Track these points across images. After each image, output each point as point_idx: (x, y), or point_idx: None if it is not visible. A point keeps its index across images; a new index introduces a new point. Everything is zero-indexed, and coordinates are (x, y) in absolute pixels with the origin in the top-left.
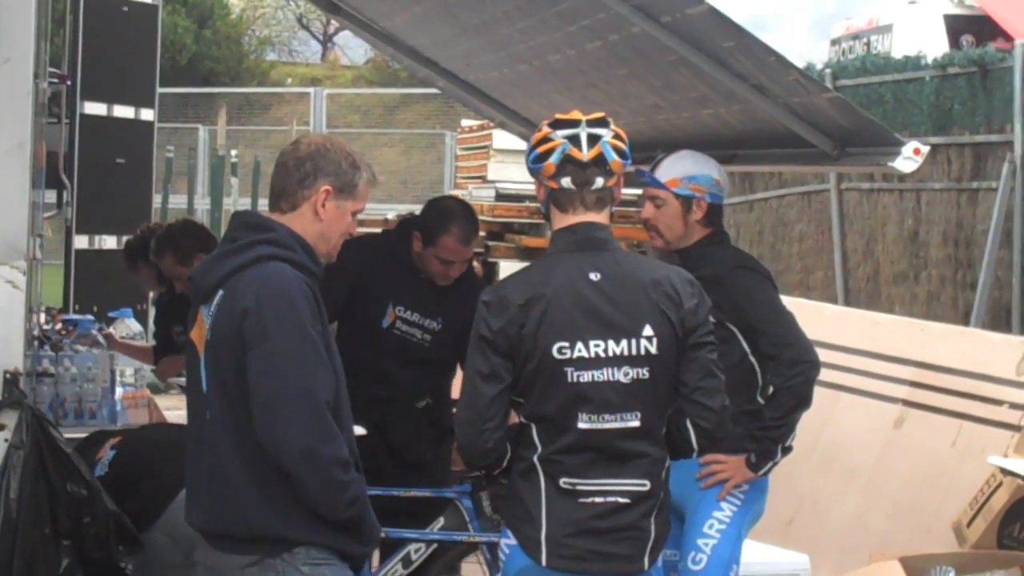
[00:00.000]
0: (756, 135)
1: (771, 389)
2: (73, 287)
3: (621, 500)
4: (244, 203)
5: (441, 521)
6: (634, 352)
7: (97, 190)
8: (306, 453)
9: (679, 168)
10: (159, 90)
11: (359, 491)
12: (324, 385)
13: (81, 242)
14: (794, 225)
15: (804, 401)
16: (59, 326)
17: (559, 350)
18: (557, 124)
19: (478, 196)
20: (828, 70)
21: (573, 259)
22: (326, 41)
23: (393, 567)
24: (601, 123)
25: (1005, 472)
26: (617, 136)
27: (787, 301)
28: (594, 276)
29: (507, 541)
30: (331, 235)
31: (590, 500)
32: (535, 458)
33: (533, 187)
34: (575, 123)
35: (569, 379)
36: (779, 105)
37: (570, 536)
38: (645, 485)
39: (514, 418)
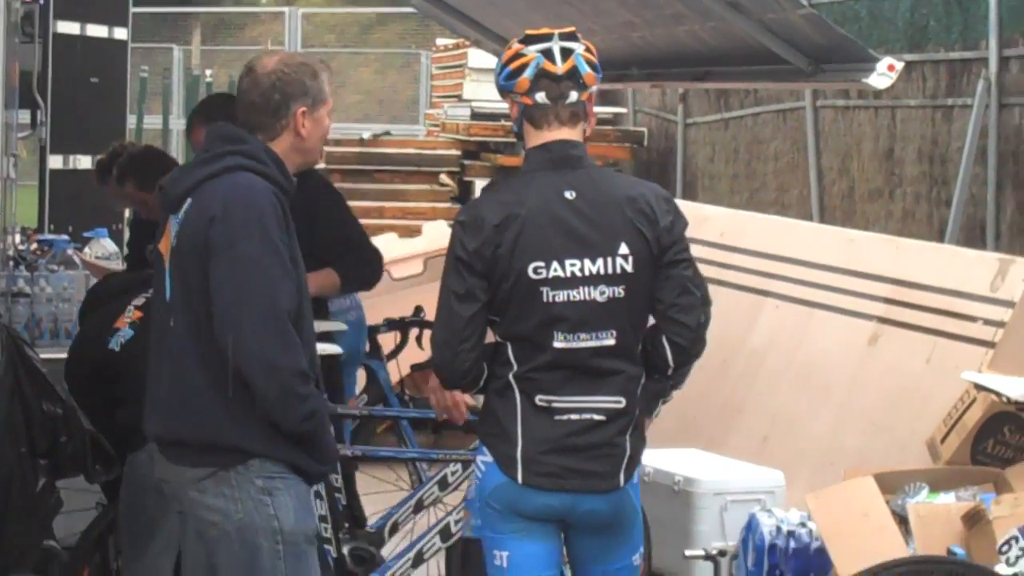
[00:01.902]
0: (731, 52)
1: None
2: (48, 207)
3: (596, 417)
4: None
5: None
6: (610, 271)
7: (71, 110)
8: (265, 360)
9: None
10: (133, 9)
11: (317, 405)
12: (287, 295)
13: (56, 162)
14: (769, 143)
15: None
16: (34, 246)
17: (535, 270)
18: (528, 40)
19: (453, 115)
20: None
21: (548, 177)
22: None
23: (402, 566)
24: (572, 37)
25: (979, 388)
26: (588, 50)
27: (762, 219)
28: (569, 195)
29: (483, 458)
30: (313, 146)
31: (565, 417)
32: (510, 376)
33: (508, 106)
34: (547, 37)
35: (545, 298)
36: (754, 21)
37: (546, 453)
38: (620, 402)
39: (490, 337)
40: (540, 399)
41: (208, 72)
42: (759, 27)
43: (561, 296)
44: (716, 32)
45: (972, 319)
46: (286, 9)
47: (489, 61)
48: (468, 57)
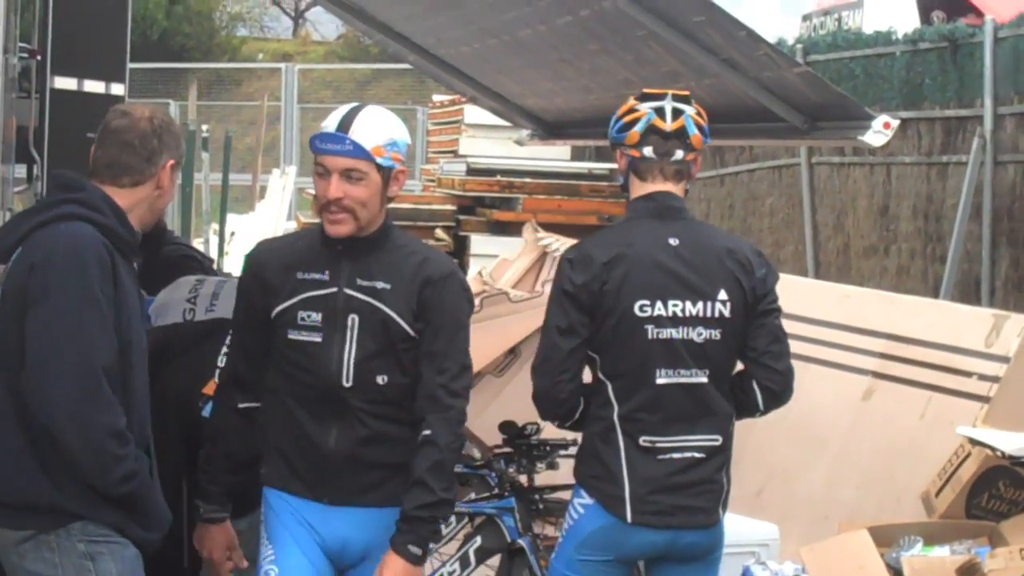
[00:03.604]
0: (727, 110)
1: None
2: None
3: (697, 455)
4: (215, 178)
5: (478, 541)
6: (709, 314)
7: (68, 165)
8: (75, 418)
9: (380, 130)
10: (130, 65)
11: (136, 467)
12: (104, 351)
13: None
14: (765, 199)
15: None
16: None
17: (640, 307)
18: (644, 97)
19: (449, 170)
20: (799, 45)
21: (652, 225)
22: (297, 17)
23: None
24: (685, 99)
25: (973, 443)
26: (699, 113)
27: None
28: (673, 241)
29: (580, 501)
30: (163, 203)
31: (668, 456)
32: (614, 417)
33: (503, 161)
34: (661, 96)
35: (649, 336)
36: (749, 79)
37: (653, 492)
38: (717, 440)
39: (587, 378)
40: (644, 440)
41: (204, 127)
42: (754, 85)
43: (664, 334)
44: (712, 89)
45: (967, 374)
46: (283, 65)
47: (485, 117)
48: (464, 113)
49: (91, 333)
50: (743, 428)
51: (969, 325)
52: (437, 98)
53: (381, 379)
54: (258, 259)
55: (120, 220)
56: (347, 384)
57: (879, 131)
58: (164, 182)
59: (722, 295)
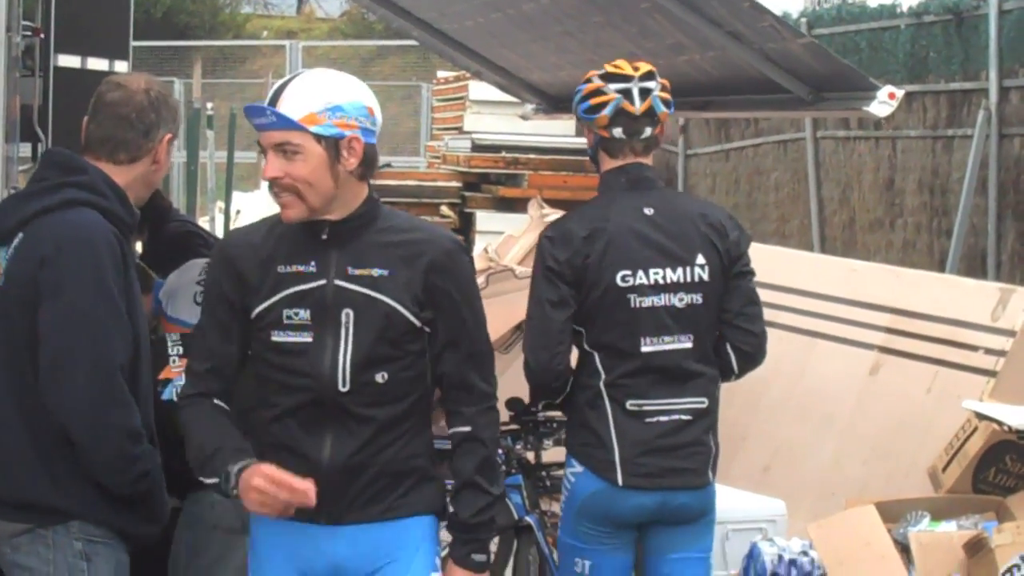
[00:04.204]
0: (731, 82)
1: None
2: None
3: (684, 417)
4: (220, 156)
5: None
6: (689, 279)
7: (72, 143)
8: (93, 419)
9: (315, 96)
10: (134, 43)
11: (149, 465)
12: (121, 348)
13: None
14: (770, 174)
15: None
16: None
17: (623, 278)
18: (609, 77)
19: (454, 147)
20: (804, 19)
21: (626, 196)
22: None
23: None
24: (650, 76)
25: (980, 417)
26: (664, 88)
27: (763, 249)
28: (648, 211)
29: (572, 470)
30: (158, 177)
31: (655, 419)
32: (600, 384)
33: (508, 138)
34: (627, 78)
35: (632, 304)
36: (754, 51)
37: (642, 455)
38: (704, 402)
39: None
40: (631, 404)
41: (209, 105)
42: (759, 57)
43: (646, 302)
44: (717, 62)
45: (973, 348)
46: (287, 42)
47: (490, 92)
48: (469, 89)
49: (108, 331)
50: (749, 405)
51: (975, 299)
52: (441, 74)
53: (381, 377)
54: (229, 252)
55: (122, 202)
56: (344, 388)
57: (884, 102)
58: (161, 157)
59: (700, 259)
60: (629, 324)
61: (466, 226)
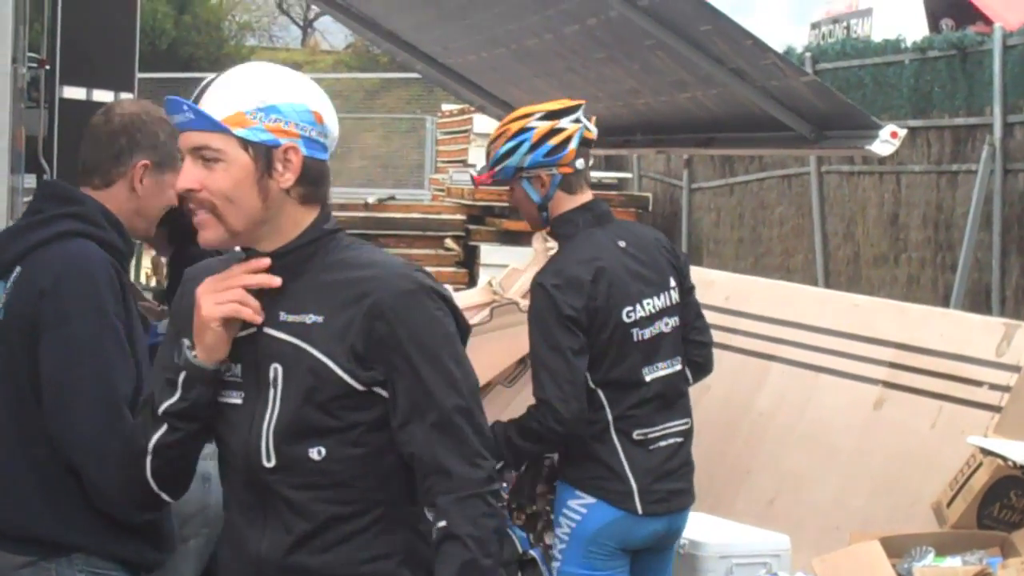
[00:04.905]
0: (734, 119)
1: None
2: None
3: (677, 440)
4: None
5: None
6: (669, 303)
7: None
8: (99, 454)
9: (247, 92)
10: (139, 75)
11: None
12: (124, 377)
13: None
14: (774, 208)
15: None
16: None
17: (627, 314)
18: (556, 114)
19: (458, 180)
20: (808, 54)
21: (600, 233)
22: (306, 26)
23: None
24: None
25: (985, 452)
26: None
27: (768, 283)
28: (621, 243)
29: (580, 502)
30: (149, 211)
31: (657, 445)
32: (608, 418)
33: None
34: (570, 109)
35: (635, 338)
36: (757, 88)
37: (655, 482)
38: (688, 422)
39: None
40: (637, 434)
41: None
42: (762, 94)
43: (646, 333)
44: (719, 99)
45: (978, 384)
46: None
47: (494, 126)
48: (473, 122)
49: (112, 362)
50: (754, 439)
51: (980, 334)
52: (446, 107)
53: (316, 453)
54: (187, 287)
55: (119, 231)
56: (268, 464)
57: (886, 140)
58: (136, 183)
59: (672, 283)
60: (632, 357)
61: (470, 259)
